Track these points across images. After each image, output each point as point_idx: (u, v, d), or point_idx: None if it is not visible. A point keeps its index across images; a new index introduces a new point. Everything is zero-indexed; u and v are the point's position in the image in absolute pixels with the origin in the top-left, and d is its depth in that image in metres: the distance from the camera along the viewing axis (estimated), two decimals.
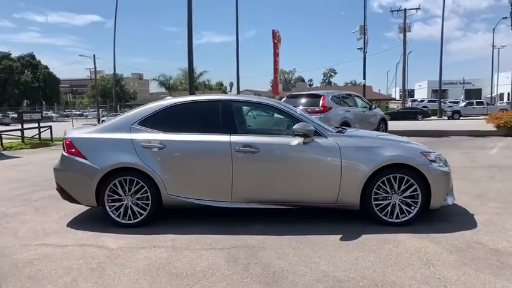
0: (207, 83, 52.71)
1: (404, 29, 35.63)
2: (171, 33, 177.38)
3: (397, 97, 61.59)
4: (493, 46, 41.12)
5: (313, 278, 2.95)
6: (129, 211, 4.24)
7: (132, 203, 4.24)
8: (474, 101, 35.02)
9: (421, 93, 67.46)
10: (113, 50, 47.38)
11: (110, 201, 4.25)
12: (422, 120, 31.58)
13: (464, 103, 34.99)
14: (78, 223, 4.47)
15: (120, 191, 4.24)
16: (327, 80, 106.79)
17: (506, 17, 40.61)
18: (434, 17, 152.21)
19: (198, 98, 4.80)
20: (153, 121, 4.36)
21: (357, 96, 11.94)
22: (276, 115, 4.74)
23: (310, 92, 10.39)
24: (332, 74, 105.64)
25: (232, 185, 4.15)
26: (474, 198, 5.14)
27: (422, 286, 2.78)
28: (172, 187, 4.18)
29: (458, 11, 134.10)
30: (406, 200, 4.09)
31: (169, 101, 4.59)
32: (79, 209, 4.98)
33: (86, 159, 4.26)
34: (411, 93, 66.83)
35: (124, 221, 4.24)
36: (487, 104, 34.26)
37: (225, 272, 3.09)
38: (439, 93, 35.07)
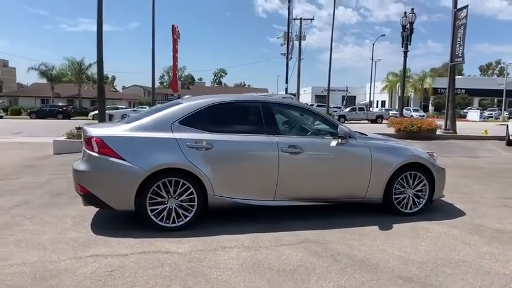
0: (92, 75, 48.46)
1: (300, 37, 38.54)
2: (38, 17, 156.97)
3: None
4: (372, 59, 47.90)
5: (399, 262, 3.38)
6: (173, 214, 4.06)
7: (176, 206, 4.07)
8: (357, 107, 40.01)
9: (305, 98, 73.74)
10: None
11: (151, 204, 4.00)
12: None
13: (348, 108, 39.64)
14: (106, 230, 4.05)
15: (163, 193, 4.02)
16: (217, 80, 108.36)
17: (383, 35, 47.61)
18: (312, 27, 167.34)
19: (236, 98, 4.79)
20: (194, 120, 4.24)
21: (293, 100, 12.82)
22: (303, 116, 5.05)
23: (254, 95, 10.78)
24: (222, 74, 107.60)
25: (277, 184, 4.32)
26: None
27: (483, 260, 3.45)
28: (219, 187, 4.14)
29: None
30: (417, 194, 4.83)
31: (207, 100, 4.47)
32: (82, 214, 4.57)
33: (124, 160, 3.93)
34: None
35: (167, 225, 4.04)
36: (367, 110, 39.48)
37: (322, 265, 3.31)
38: (327, 99, 38.93)
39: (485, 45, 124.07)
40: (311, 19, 38.91)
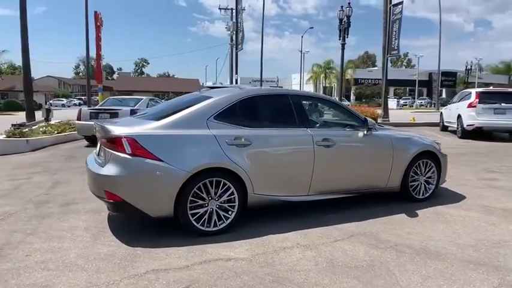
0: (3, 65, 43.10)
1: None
2: None
3: None
4: (301, 51, 49.85)
5: (455, 247, 3.53)
6: (214, 217, 3.75)
7: (217, 207, 3.77)
8: None
9: None
10: None
11: (192, 208, 3.65)
12: None
13: None
14: (139, 241, 3.58)
15: (204, 194, 3.69)
16: (139, 70, 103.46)
17: (312, 27, 49.85)
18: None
19: (264, 90, 4.56)
20: (228, 115, 3.95)
21: None
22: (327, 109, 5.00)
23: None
24: (144, 64, 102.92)
25: (312, 178, 4.23)
26: None
27: None
28: (259, 185, 3.93)
29: (254, 14, 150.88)
30: (428, 180, 5.10)
31: (237, 93, 4.18)
32: (93, 225, 4.09)
33: (162, 162, 3.52)
34: None
35: (208, 229, 3.73)
36: None
37: (391, 257, 3.32)
38: None
39: None
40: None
